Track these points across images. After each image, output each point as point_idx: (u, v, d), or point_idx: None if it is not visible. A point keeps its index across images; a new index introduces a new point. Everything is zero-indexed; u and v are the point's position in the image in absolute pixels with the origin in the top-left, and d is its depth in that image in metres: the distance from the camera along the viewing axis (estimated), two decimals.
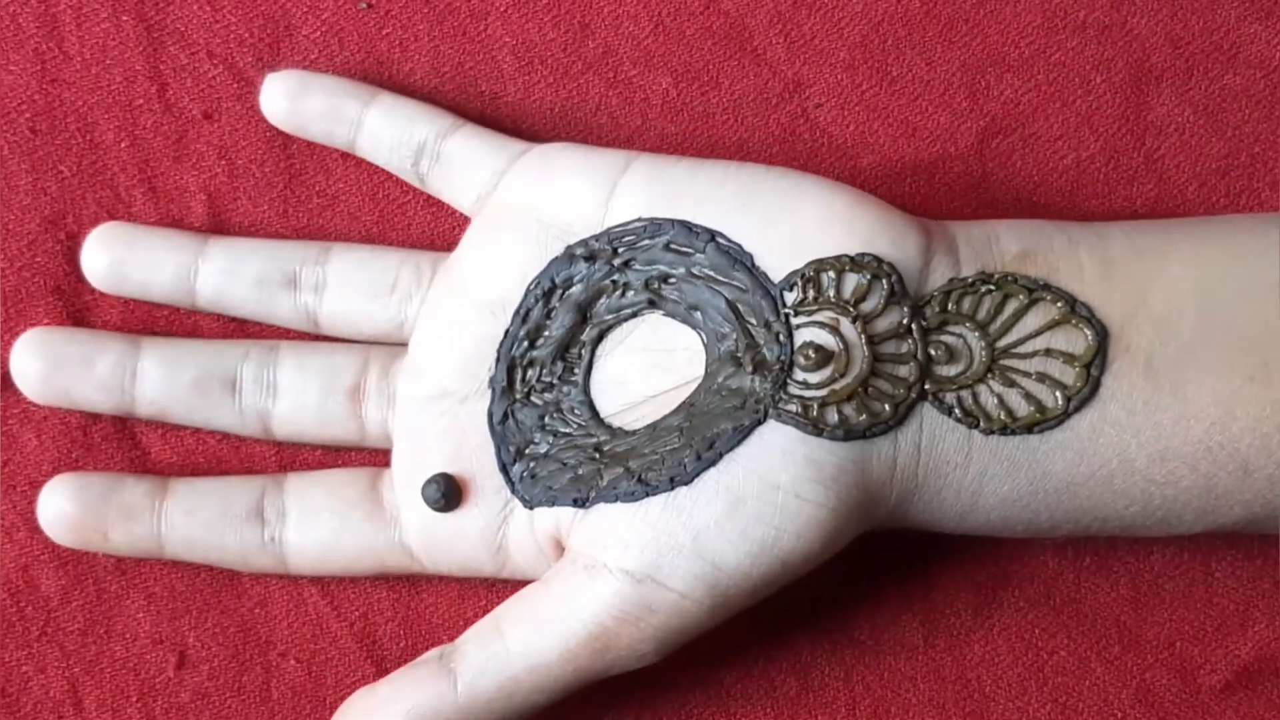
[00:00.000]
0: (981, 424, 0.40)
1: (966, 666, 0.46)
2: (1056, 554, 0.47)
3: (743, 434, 0.40)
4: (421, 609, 0.46)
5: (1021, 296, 0.41)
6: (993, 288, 0.41)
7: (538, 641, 0.40)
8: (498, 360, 0.43)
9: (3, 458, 0.46)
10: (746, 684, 0.46)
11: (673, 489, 0.40)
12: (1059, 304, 0.41)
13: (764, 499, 0.39)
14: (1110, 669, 0.46)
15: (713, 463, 0.40)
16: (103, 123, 0.47)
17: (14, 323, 0.46)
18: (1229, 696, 0.46)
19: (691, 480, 0.40)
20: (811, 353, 0.40)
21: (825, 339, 0.40)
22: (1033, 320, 0.41)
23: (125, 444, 0.46)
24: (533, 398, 0.43)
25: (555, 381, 0.43)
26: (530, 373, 0.43)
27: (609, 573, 0.40)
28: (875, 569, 0.46)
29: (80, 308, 0.46)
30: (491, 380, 0.43)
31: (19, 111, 0.47)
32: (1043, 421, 0.40)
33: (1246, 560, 0.47)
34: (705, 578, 0.39)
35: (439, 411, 0.44)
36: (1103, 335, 0.40)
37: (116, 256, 0.45)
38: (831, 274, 0.40)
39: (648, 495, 0.40)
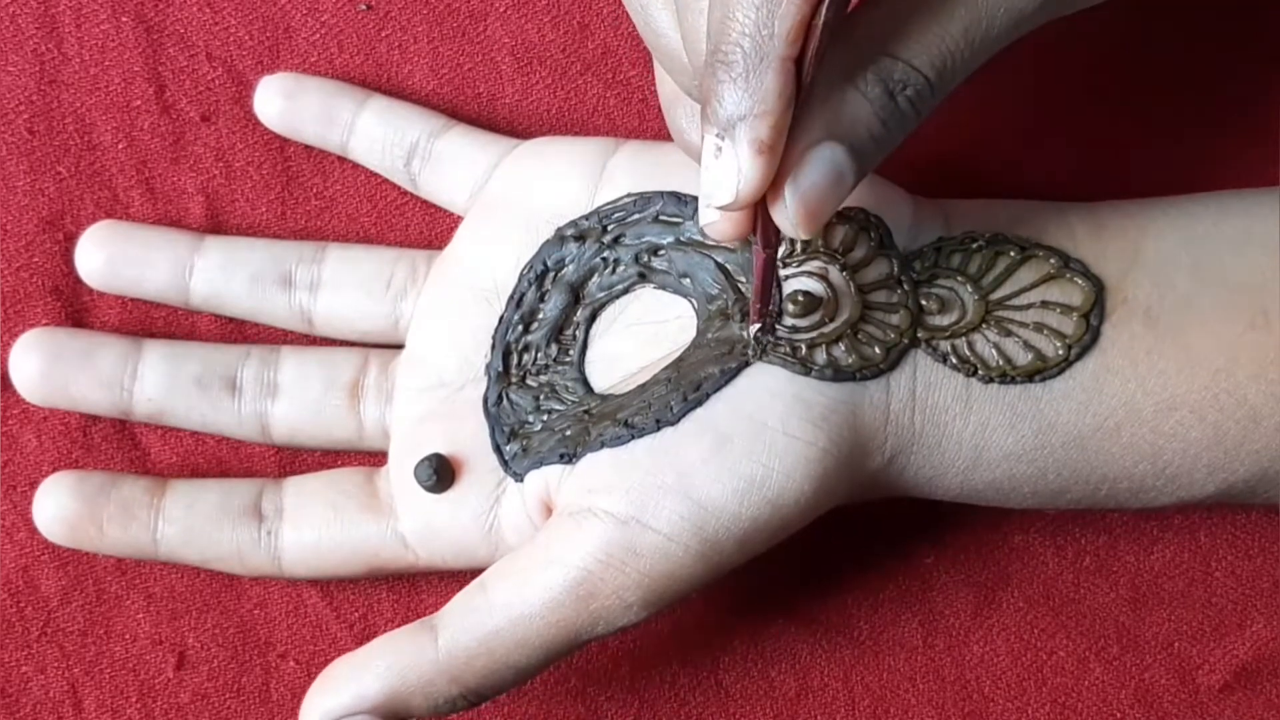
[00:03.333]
0: (980, 371, 0.40)
1: (966, 666, 0.46)
2: (1056, 554, 0.47)
3: (730, 375, 0.40)
4: (421, 610, 0.46)
5: (1013, 253, 0.41)
6: (983, 244, 0.41)
7: (521, 592, 0.40)
8: (493, 346, 0.44)
9: (3, 458, 0.46)
10: (745, 684, 0.46)
11: (659, 430, 0.40)
12: (1051, 260, 0.41)
13: (752, 436, 0.39)
14: (1109, 669, 0.46)
15: (699, 403, 0.40)
16: (101, 124, 0.47)
17: (12, 323, 0.46)
18: (1228, 696, 0.46)
19: (677, 421, 0.40)
20: (800, 298, 0.40)
21: (813, 286, 0.41)
22: (1026, 275, 0.41)
23: (125, 444, 0.46)
24: (528, 380, 0.43)
25: (550, 363, 0.43)
26: (525, 357, 0.43)
27: (594, 516, 0.39)
28: (874, 568, 0.46)
29: (78, 308, 0.46)
30: (488, 366, 0.44)
31: (17, 112, 0.47)
32: (1044, 369, 0.40)
33: (1246, 560, 0.47)
34: (692, 518, 0.39)
35: (436, 400, 0.44)
36: (1100, 288, 0.40)
37: (111, 253, 0.45)
38: None
39: (633, 439, 0.40)
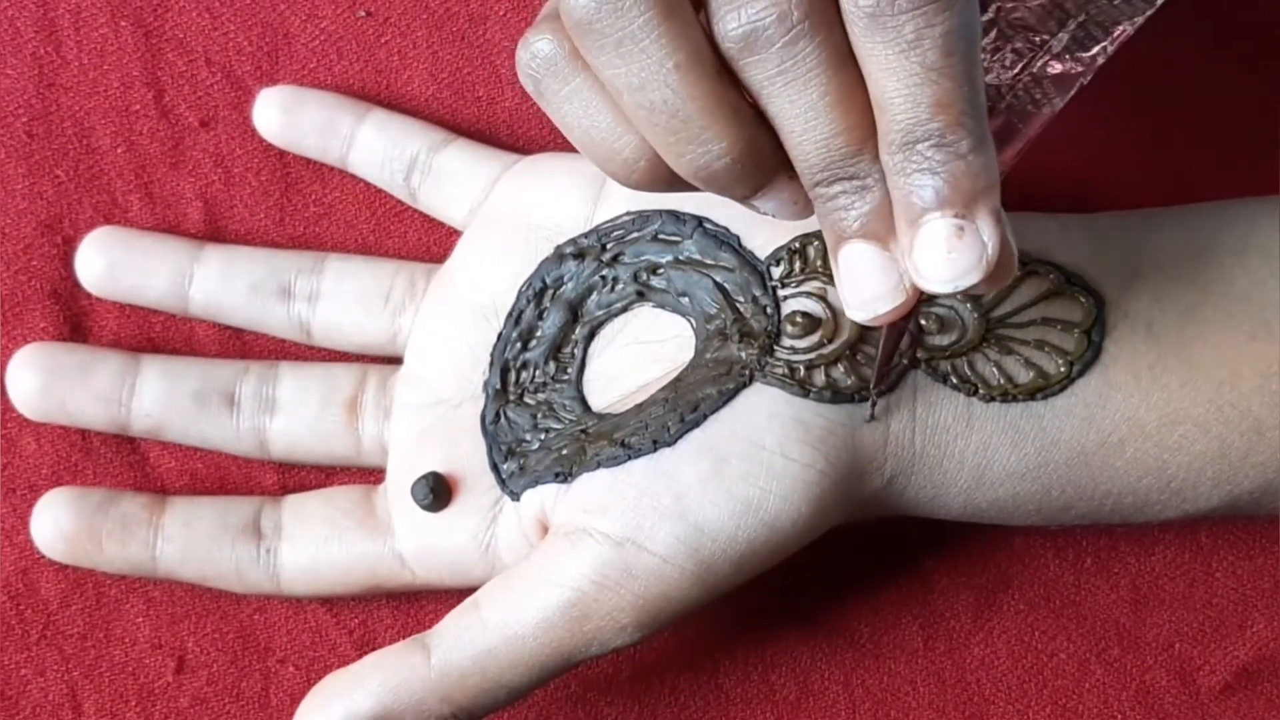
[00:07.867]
0: (981, 391, 0.40)
1: (966, 669, 0.46)
2: (1057, 555, 0.47)
3: (728, 396, 0.40)
4: (421, 616, 0.46)
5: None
6: None
7: (515, 612, 0.40)
8: (491, 364, 0.44)
9: (2, 461, 0.46)
10: (746, 688, 0.46)
11: (655, 450, 0.40)
12: (1052, 275, 0.41)
13: (749, 459, 0.39)
14: (1110, 670, 0.46)
15: (696, 424, 0.40)
16: (100, 128, 0.47)
17: (10, 326, 0.46)
18: (1229, 697, 0.46)
19: (674, 442, 0.40)
20: (799, 318, 0.40)
21: (812, 307, 0.41)
22: (1027, 292, 0.41)
23: (124, 449, 0.46)
24: (525, 398, 0.43)
25: (548, 381, 0.43)
26: (524, 374, 0.43)
27: (589, 537, 0.39)
28: (875, 571, 0.46)
29: (77, 312, 0.46)
30: (486, 384, 0.44)
31: (16, 115, 0.47)
32: (1046, 387, 0.40)
33: (1246, 560, 0.47)
34: (688, 540, 0.39)
35: (433, 417, 0.44)
36: (1100, 303, 0.40)
37: (111, 260, 0.45)
38: (818, 244, 0.41)
39: (630, 459, 0.40)
